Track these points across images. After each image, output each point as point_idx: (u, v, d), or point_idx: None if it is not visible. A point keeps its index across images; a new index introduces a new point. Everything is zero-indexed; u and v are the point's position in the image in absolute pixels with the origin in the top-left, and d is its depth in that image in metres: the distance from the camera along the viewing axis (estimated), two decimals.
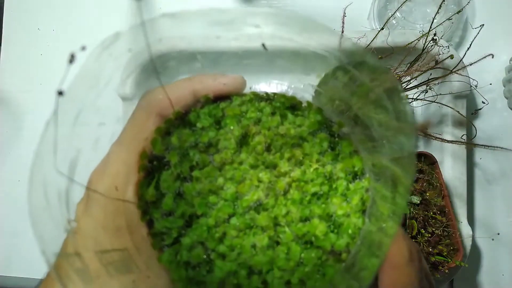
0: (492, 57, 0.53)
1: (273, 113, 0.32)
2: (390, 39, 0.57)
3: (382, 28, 0.57)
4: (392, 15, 0.62)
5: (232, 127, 0.32)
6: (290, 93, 0.32)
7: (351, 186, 0.30)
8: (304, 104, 0.32)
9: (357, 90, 0.27)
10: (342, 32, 0.54)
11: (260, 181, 0.30)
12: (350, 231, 0.29)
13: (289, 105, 0.32)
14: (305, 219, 0.30)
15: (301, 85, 0.30)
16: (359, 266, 0.27)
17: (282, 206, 0.30)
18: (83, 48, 0.19)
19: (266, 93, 0.33)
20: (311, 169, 0.30)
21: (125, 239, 0.29)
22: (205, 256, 0.30)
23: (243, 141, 0.31)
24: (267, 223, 0.30)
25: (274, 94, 0.33)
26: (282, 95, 0.32)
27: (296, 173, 0.30)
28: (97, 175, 0.29)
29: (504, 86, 0.68)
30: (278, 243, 0.30)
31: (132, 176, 0.31)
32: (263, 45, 0.26)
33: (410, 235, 0.54)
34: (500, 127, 0.67)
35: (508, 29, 0.69)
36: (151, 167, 0.33)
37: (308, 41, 0.23)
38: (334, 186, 0.30)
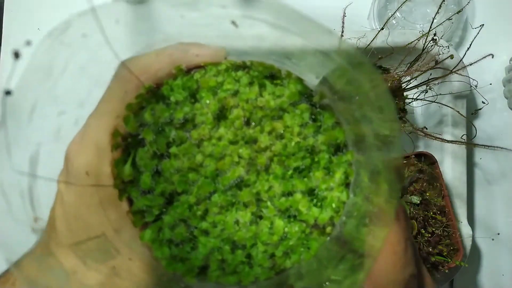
0: (492, 57, 0.52)
1: (250, 83, 0.30)
2: (390, 39, 0.56)
3: (382, 28, 0.56)
4: (392, 15, 0.60)
5: (208, 101, 0.29)
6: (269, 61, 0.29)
7: (334, 159, 0.29)
8: (284, 73, 0.30)
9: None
10: (342, 32, 0.51)
11: (240, 157, 0.29)
12: (333, 205, 0.28)
13: (267, 74, 0.30)
14: (287, 194, 0.29)
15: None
16: (345, 238, 0.27)
17: (264, 182, 0.29)
18: (28, 43, 0.16)
19: (243, 61, 0.30)
20: (293, 143, 0.28)
21: (102, 221, 0.28)
22: (188, 234, 0.29)
23: (221, 115, 0.29)
24: (249, 199, 0.29)
25: (252, 62, 0.30)
26: (260, 63, 0.30)
27: (277, 147, 0.28)
28: (75, 148, 0.27)
29: (504, 86, 0.66)
30: (261, 217, 0.29)
31: (106, 155, 0.29)
32: (233, 22, 0.23)
33: None
34: (500, 127, 0.65)
35: (508, 29, 0.67)
36: (126, 144, 0.31)
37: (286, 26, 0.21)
38: (316, 159, 0.29)
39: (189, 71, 0.31)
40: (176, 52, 0.28)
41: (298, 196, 0.28)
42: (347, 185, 0.28)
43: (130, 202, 0.31)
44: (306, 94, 0.29)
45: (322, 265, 0.28)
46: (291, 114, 0.29)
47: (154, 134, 0.30)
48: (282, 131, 0.29)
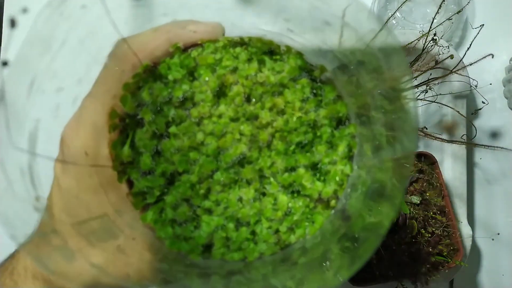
0: (492, 57, 0.52)
1: (249, 60, 0.29)
2: (390, 39, 0.55)
3: (382, 28, 0.54)
4: (392, 15, 0.59)
5: (207, 78, 0.29)
6: (267, 37, 0.29)
7: (336, 133, 0.28)
8: (283, 48, 0.29)
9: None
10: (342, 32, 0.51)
11: (242, 134, 0.28)
12: (337, 178, 0.28)
13: (266, 50, 0.30)
14: (290, 169, 0.29)
15: (278, 29, 0.27)
16: (349, 212, 0.27)
17: (266, 158, 0.28)
18: (25, 11, 0.15)
19: (241, 38, 0.30)
20: (294, 118, 0.28)
21: (103, 203, 0.27)
22: (191, 213, 0.29)
23: (220, 92, 0.29)
24: (252, 176, 0.28)
25: (250, 38, 0.29)
26: (259, 39, 0.29)
27: (279, 123, 0.28)
28: (70, 131, 0.26)
29: (504, 86, 0.66)
30: (264, 194, 0.29)
31: (104, 136, 0.28)
32: None
33: (410, 235, 0.54)
34: (500, 127, 0.65)
35: (508, 29, 0.66)
36: (124, 125, 0.30)
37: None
38: (318, 134, 0.28)
39: (186, 49, 0.30)
40: (174, 28, 0.28)
41: (301, 171, 0.28)
42: (350, 158, 0.28)
43: (130, 184, 0.31)
44: (306, 69, 0.29)
45: (326, 239, 0.28)
46: (292, 89, 0.29)
47: (152, 114, 0.29)
48: (283, 107, 0.28)
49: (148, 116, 0.29)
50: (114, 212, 0.27)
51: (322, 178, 0.28)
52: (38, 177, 0.22)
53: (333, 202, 0.28)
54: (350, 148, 0.28)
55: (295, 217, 0.28)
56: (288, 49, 0.29)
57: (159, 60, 0.29)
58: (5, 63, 0.16)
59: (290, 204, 0.28)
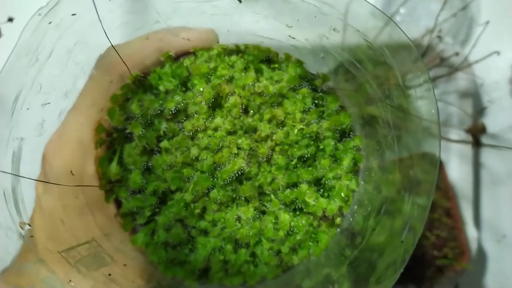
0: (498, 54, 0.52)
1: (246, 69, 0.29)
2: (394, 36, 0.56)
3: (386, 25, 0.55)
4: (396, 11, 0.60)
5: (201, 89, 0.28)
6: (265, 44, 0.29)
7: (340, 145, 0.28)
8: (281, 56, 0.29)
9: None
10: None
11: (239, 148, 0.28)
12: (342, 194, 0.27)
13: (264, 58, 0.29)
14: (292, 185, 0.28)
15: (277, 35, 0.27)
16: (355, 230, 0.26)
17: (266, 174, 0.28)
18: (10, 20, 0.14)
19: (236, 45, 0.29)
20: (295, 130, 0.28)
21: (90, 226, 0.26)
22: (185, 235, 0.28)
23: (216, 103, 0.28)
24: (251, 193, 0.28)
25: (246, 46, 0.29)
26: (256, 47, 0.29)
27: (279, 135, 0.28)
28: (52, 148, 0.25)
29: (511, 84, 0.67)
30: (264, 212, 0.29)
31: (90, 153, 0.28)
32: None
33: None
34: (506, 126, 0.66)
35: None
36: (111, 140, 0.29)
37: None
38: (321, 147, 0.28)
39: (178, 58, 0.30)
40: (166, 36, 0.27)
41: (303, 187, 0.28)
42: (356, 172, 0.28)
43: (118, 204, 0.30)
44: (307, 77, 0.29)
45: (331, 261, 0.28)
46: (292, 99, 0.29)
47: (142, 128, 0.28)
48: (283, 118, 0.28)
49: (137, 130, 0.28)
50: (102, 236, 0.26)
51: (326, 194, 0.28)
52: (23, 200, 0.21)
53: (338, 220, 0.28)
54: (355, 162, 0.28)
55: (298, 237, 0.28)
56: (287, 57, 0.29)
57: (149, 70, 0.29)
58: None
59: (292, 223, 0.28)
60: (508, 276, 0.64)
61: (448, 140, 0.57)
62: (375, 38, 0.23)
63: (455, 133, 0.61)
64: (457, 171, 0.59)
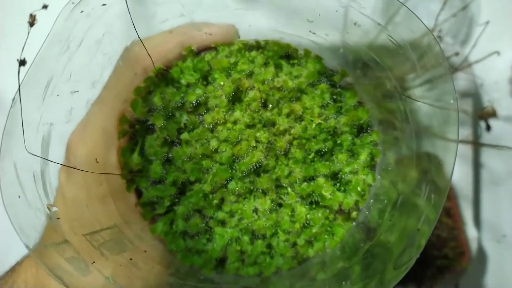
0: (498, 54, 0.52)
1: (266, 64, 0.30)
2: (394, 36, 0.56)
3: (386, 24, 0.56)
4: (396, 11, 0.59)
5: (222, 83, 0.29)
6: (285, 39, 0.29)
7: (357, 140, 0.29)
8: (301, 52, 0.30)
9: None
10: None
11: (258, 141, 0.28)
12: (359, 189, 0.28)
13: (283, 54, 0.30)
14: (309, 179, 0.29)
15: (297, 30, 0.27)
16: (371, 224, 0.27)
17: (284, 167, 0.28)
18: (45, 7, 0.15)
19: (257, 41, 0.30)
20: (313, 125, 0.28)
21: (112, 213, 0.27)
22: (203, 225, 0.29)
23: (236, 97, 0.29)
24: (269, 186, 0.28)
25: (266, 41, 0.30)
26: (275, 42, 0.30)
27: (297, 129, 0.28)
28: (76, 138, 0.26)
29: (510, 84, 0.66)
30: (281, 205, 0.29)
31: (113, 143, 0.29)
32: None
33: None
34: (506, 126, 0.65)
35: None
36: (134, 131, 0.30)
37: None
38: (338, 141, 0.28)
39: (199, 52, 0.31)
40: (189, 31, 0.28)
41: (320, 180, 0.28)
42: (372, 167, 0.28)
43: (139, 193, 0.31)
44: (325, 73, 0.29)
45: (346, 254, 0.28)
46: (310, 95, 0.29)
47: (164, 120, 0.29)
48: (301, 113, 0.29)
49: (159, 121, 0.29)
50: (124, 223, 0.27)
51: (342, 188, 0.28)
52: (51, 183, 0.22)
53: (354, 214, 0.28)
54: (372, 157, 0.28)
55: (314, 230, 0.28)
56: (307, 53, 0.30)
57: (172, 63, 0.30)
58: (22, 62, 0.16)
59: (308, 216, 0.28)
60: (508, 276, 0.64)
61: (448, 140, 0.57)
62: (393, 31, 0.23)
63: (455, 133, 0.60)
64: (457, 171, 0.59)
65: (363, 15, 0.23)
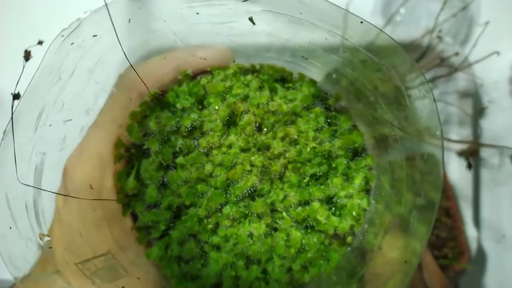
0: (498, 54, 0.52)
1: (261, 87, 0.30)
2: (394, 36, 0.57)
3: (386, 25, 0.56)
4: (396, 11, 0.61)
5: (217, 107, 0.29)
6: (279, 64, 0.29)
7: (352, 164, 0.28)
8: (295, 76, 0.30)
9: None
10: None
11: (252, 165, 0.28)
12: (354, 213, 0.27)
13: (278, 77, 0.30)
14: (304, 203, 0.28)
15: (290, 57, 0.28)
16: (366, 248, 0.26)
17: (278, 191, 0.28)
18: (40, 42, 0.16)
19: (252, 65, 0.30)
20: (308, 148, 0.28)
21: (107, 239, 0.27)
22: (198, 249, 0.29)
23: (230, 121, 0.29)
24: (264, 210, 0.28)
25: (261, 65, 0.30)
26: (270, 66, 0.30)
27: (292, 153, 0.28)
28: (73, 163, 0.27)
29: (510, 84, 0.67)
30: (276, 229, 0.29)
31: (109, 167, 0.29)
32: (251, 19, 0.23)
33: None
34: (506, 126, 0.66)
35: None
36: (130, 155, 0.30)
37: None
38: (333, 165, 0.28)
39: (195, 76, 0.31)
40: (183, 55, 0.28)
41: (315, 205, 0.28)
42: (367, 191, 0.28)
43: (134, 217, 0.31)
44: (320, 97, 0.30)
45: (342, 279, 0.28)
46: (305, 118, 0.29)
47: (159, 144, 0.29)
48: (296, 137, 0.29)
49: (154, 146, 0.29)
50: (118, 249, 0.27)
51: (337, 212, 0.28)
52: (43, 212, 0.22)
53: (349, 238, 0.28)
54: (367, 181, 0.28)
55: (309, 255, 0.28)
56: (301, 76, 0.30)
57: (167, 88, 0.30)
58: (16, 96, 0.17)
59: (303, 241, 0.28)
60: (508, 276, 0.63)
61: (448, 140, 0.57)
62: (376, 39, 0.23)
63: (455, 133, 0.61)
64: (457, 171, 0.59)
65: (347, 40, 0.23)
